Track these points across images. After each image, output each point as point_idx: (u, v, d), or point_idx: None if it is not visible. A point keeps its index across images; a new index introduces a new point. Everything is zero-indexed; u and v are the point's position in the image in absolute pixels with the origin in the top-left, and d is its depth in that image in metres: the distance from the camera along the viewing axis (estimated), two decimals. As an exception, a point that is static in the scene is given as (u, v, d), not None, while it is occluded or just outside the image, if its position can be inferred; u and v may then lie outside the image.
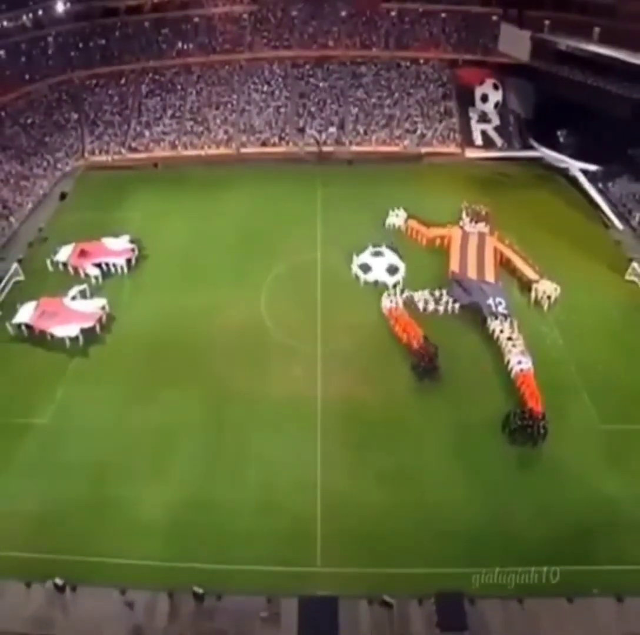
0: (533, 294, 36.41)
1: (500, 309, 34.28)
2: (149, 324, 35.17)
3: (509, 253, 39.52)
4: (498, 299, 34.77)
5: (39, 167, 51.21)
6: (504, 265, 39.17)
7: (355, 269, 38.53)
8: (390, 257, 39.23)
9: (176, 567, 23.47)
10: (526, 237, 41.29)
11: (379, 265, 38.56)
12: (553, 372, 31.44)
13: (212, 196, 47.77)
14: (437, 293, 35.97)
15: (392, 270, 38.30)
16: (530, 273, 37.58)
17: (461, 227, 41.76)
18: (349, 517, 25.09)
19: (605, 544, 24.15)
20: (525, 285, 37.32)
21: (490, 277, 37.34)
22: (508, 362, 31.76)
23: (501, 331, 33.35)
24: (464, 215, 42.68)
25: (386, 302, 35.46)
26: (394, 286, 36.99)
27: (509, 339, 32.77)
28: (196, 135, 55.52)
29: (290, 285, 38.24)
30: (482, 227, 41.61)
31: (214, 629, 21.91)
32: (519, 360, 31.35)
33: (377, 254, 39.49)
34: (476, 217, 42.30)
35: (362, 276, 38.08)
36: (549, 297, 36.08)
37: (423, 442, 28.44)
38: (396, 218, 43.49)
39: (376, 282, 37.73)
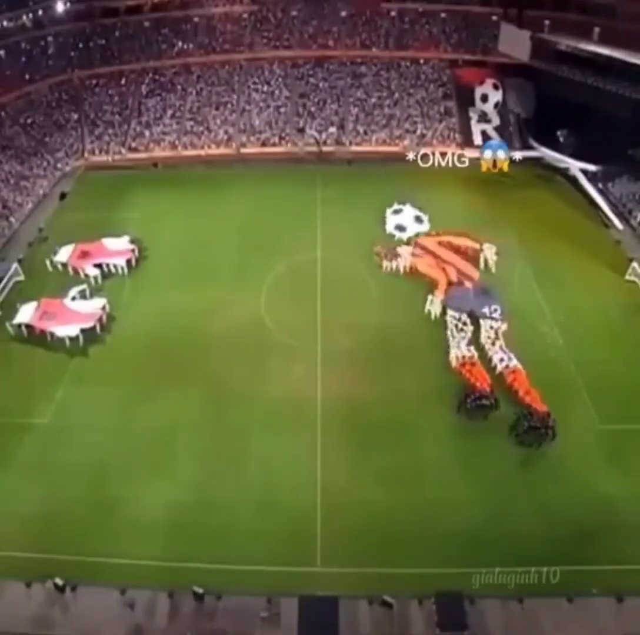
0: (482, 261, 38.94)
1: (496, 315, 34.35)
2: (149, 324, 35.17)
3: (447, 238, 40.56)
4: (494, 306, 34.78)
5: (39, 167, 51.15)
6: (452, 249, 39.98)
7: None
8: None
9: (176, 567, 23.50)
10: (526, 237, 41.33)
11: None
12: (553, 372, 31.48)
13: (212, 196, 47.74)
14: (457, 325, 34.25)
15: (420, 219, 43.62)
16: (473, 244, 39.63)
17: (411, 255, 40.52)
18: (349, 517, 25.11)
19: (605, 544, 24.15)
20: (475, 257, 39.27)
21: (472, 272, 37.98)
22: (490, 358, 32.16)
23: (487, 333, 33.48)
24: (402, 249, 40.82)
25: (457, 353, 32.30)
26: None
27: (489, 337, 33.11)
28: (196, 135, 55.48)
29: (290, 285, 38.23)
30: (407, 251, 40.24)
31: (214, 629, 21.93)
32: (500, 358, 31.69)
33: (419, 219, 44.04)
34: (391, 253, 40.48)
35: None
36: (494, 258, 38.94)
37: (423, 441, 28.46)
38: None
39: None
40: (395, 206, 44.42)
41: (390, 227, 43.07)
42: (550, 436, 27.96)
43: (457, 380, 31.07)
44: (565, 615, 22.01)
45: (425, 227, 43.06)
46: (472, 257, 39.51)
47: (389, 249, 40.44)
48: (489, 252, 39.30)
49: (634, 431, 28.68)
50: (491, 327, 33.75)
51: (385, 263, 39.71)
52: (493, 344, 32.82)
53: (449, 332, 33.72)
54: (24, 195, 47.75)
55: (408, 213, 44.19)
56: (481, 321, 34.29)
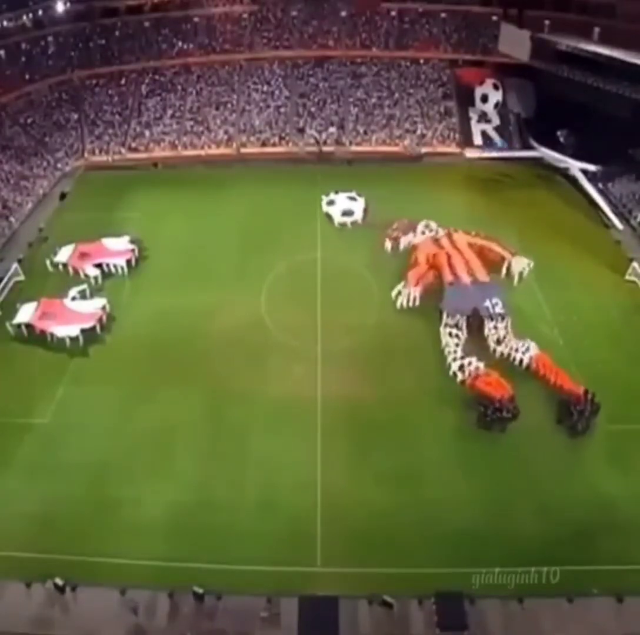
0: (504, 269, 38.15)
1: (497, 309, 34.12)
2: (149, 324, 35.17)
3: (480, 242, 39.76)
4: (495, 300, 34.52)
5: (39, 167, 51.18)
6: (481, 254, 39.00)
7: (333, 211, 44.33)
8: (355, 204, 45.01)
9: (176, 567, 23.48)
10: (526, 237, 41.31)
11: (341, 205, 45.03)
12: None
13: (212, 196, 47.76)
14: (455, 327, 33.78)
15: (349, 213, 44.34)
16: (504, 253, 38.80)
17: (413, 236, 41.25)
18: (349, 517, 25.10)
19: (605, 544, 24.15)
20: (500, 264, 38.47)
21: (482, 276, 36.84)
22: (514, 359, 31.94)
23: (494, 335, 33.13)
24: (420, 227, 41.53)
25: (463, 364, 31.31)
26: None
27: (498, 340, 32.80)
28: (196, 135, 55.51)
29: (290, 285, 38.22)
30: (421, 229, 41.15)
31: (214, 629, 21.92)
32: (522, 351, 31.62)
33: (352, 198, 45.59)
34: (408, 229, 41.42)
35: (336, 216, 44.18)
36: (520, 273, 37.84)
37: (423, 441, 28.45)
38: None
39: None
40: (326, 199, 45.55)
41: (338, 218, 43.98)
42: (596, 409, 28.52)
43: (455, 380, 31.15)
44: (565, 615, 22.00)
45: (362, 201, 45.00)
46: (497, 264, 38.46)
47: (403, 226, 41.42)
48: (518, 264, 38.00)
49: (634, 431, 28.67)
50: (495, 328, 33.48)
51: (388, 243, 40.87)
52: (503, 343, 32.48)
53: (443, 342, 32.99)
54: (24, 195, 47.76)
55: (340, 198, 45.48)
56: (485, 322, 33.90)
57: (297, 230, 43.29)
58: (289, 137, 55.28)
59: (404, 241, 41.03)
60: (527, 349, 31.72)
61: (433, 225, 41.49)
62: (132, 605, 22.10)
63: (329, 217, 44.39)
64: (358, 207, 44.73)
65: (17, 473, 27.27)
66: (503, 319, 33.83)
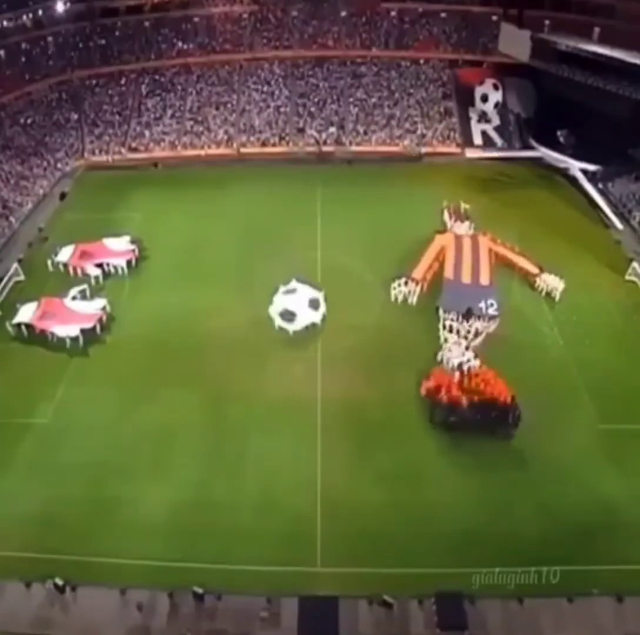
0: (544, 289, 36.86)
1: (491, 310, 34.19)
2: (149, 324, 35.17)
3: (504, 251, 39.50)
4: (490, 301, 34.63)
5: (39, 167, 51.20)
6: (504, 264, 38.93)
7: (278, 321, 34.12)
8: (305, 291, 35.56)
9: (176, 567, 23.48)
10: (526, 237, 41.25)
11: (300, 305, 34.45)
12: (553, 372, 31.47)
13: (212, 196, 47.75)
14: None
15: (315, 304, 34.83)
16: (530, 268, 38.00)
17: (446, 231, 41.70)
18: (349, 517, 25.09)
19: (605, 544, 24.16)
20: (530, 280, 37.65)
21: (484, 280, 36.90)
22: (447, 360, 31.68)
23: (475, 331, 33.24)
24: (446, 217, 43.01)
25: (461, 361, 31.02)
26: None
27: (465, 337, 32.79)
28: (196, 135, 55.52)
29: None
30: (467, 226, 41.91)
31: (214, 629, 21.93)
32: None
33: (290, 291, 35.66)
34: (459, 217, 42.79)
35: (291, 327, 33.83)
36: (555, 289, 36.63)
37: (423, 441, 28.42)
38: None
39: (307, 327, 34.11)
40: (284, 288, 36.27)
41: (316, 317, 34.62)
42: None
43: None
44: (565, 615, 22.00)
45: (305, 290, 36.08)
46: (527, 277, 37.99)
47: (458, 212, 43.03)
48: (552, 283, 36.81)
49: (634, 431, 28.68)
50: (487, 327, 33.49)
51: (446, 206, 43.36)
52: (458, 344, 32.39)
53: (442, 339, 32.92)
54: (24, 195, 47.78)
55: (286, 300, 35.26)
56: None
57: (297, 230, 43.19)
58: (289, 137, 55.27)
59: (448, 221, 42.38)
60: (468, 360, 31.00)
61: (470, 224, 42.12)
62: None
63: (307, 328, 34.26)
64: (309, 291, 35.73)
65: (17, 473, 27.27)
66: (494, 319, 33.88)
